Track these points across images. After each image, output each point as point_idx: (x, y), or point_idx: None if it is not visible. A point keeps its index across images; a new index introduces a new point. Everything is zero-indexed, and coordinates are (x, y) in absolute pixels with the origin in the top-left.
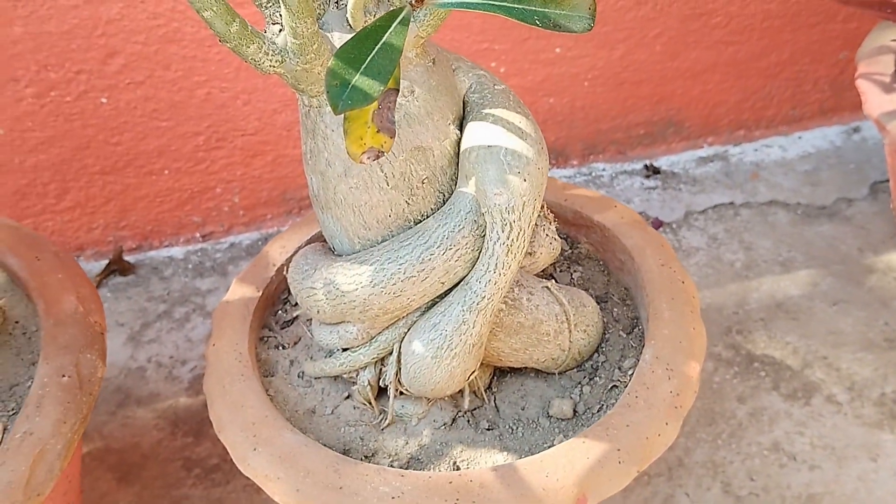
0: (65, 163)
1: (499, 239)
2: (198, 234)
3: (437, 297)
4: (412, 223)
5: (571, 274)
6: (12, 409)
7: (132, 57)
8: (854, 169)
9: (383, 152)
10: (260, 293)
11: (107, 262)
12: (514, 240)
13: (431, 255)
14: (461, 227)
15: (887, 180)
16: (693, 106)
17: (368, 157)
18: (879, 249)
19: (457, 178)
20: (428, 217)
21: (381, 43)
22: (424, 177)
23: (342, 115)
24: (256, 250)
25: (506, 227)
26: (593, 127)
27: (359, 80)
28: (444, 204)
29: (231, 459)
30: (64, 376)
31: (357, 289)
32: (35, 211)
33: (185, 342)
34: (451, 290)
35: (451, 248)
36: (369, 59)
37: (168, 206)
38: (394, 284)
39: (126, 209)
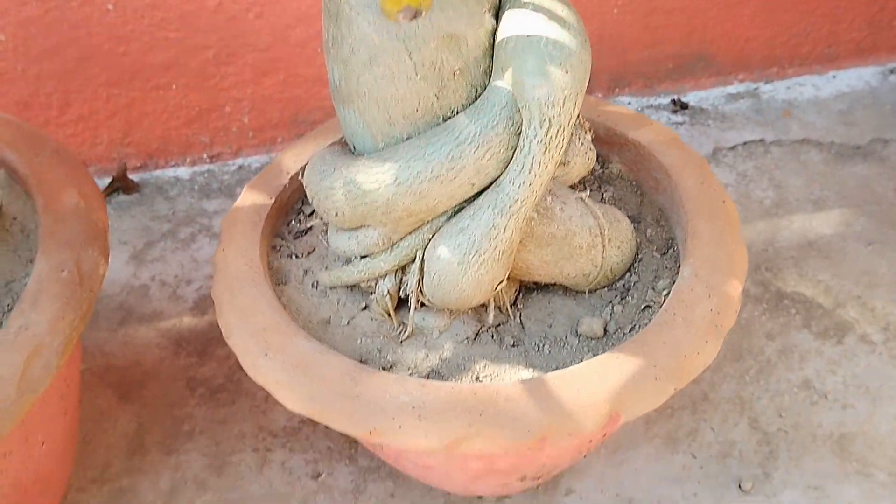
0: (69, 73)
1: (536, 136)
2: (205, 155)
3: (466, 200)
4: (441, 119)
5: (602, 194)
6: (7, 306)
7: None
8: (890, 110)
9: (421, 11)
10: (272, 201)
11: (110, 179)
12: (553, 138)
13: (462, 153)
14: (495, 123)
15: None
16: (725, 40)
17: (404, 17)
18: None
19: (491, 71)
20: (459, 113)
21: None
22: (456, 68)
23: None
24: None
25: (544, 123)
26: (620, 58)
27: None
28: (477, 99)
29: (237, 379)
30: (63, 272)
31: (380, 188)
32: (38, 123)
33: (191, 262)
34: (480, 193)
35: (482, 147)
36: None
37: (174, 123)
38: (420, 184)
39: (131, 125)
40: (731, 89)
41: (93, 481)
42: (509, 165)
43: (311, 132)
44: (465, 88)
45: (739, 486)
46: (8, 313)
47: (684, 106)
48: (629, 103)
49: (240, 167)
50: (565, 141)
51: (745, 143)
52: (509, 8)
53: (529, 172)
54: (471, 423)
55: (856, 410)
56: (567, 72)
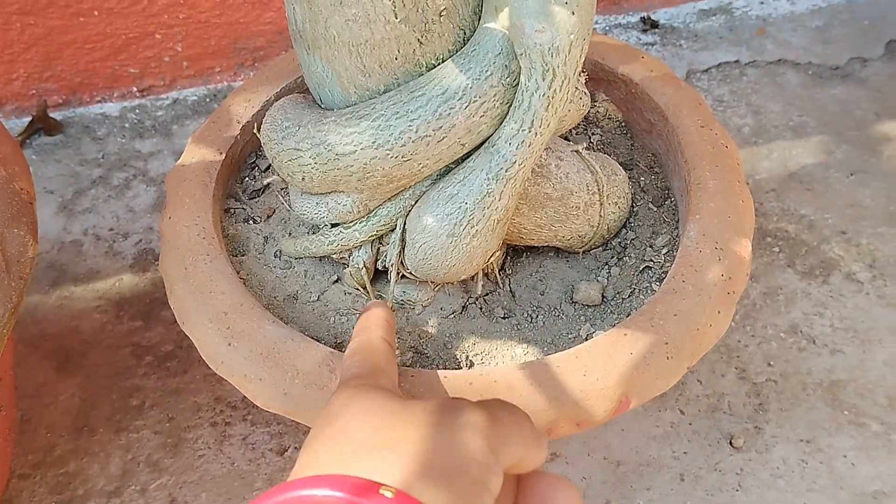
0: None
1: (538, 89)
2: (135, 89)
3: (453, 162)
4: (424, 68)
5: (590, 137)
6: None
7: None
8: (868, 26)
9: None
10: (223, 156)
11: (29, 119)
12: (557, 90)
13: (451, 108)
14: (488, 73)
15: None
16: None
17: None
18: None
19: (481, 10)
20: (444, 60)
21: None
22: (442, 8)
23: None
24: (204, 108)
25: (548, 73)
26: None
27: None
28: (465, 44)
29: (187, 346)
30: None
31: (356, 150)
32: None
33: (127, 212)
34: (470, 153)
35: (475, 101)
36: None
37: (99, 54)
38: (403, 146)
39: (50, 57)
40: (703, 5)
41: (36, 466)
42: (504, 122)
43: (263, 70)
44: (453, 32)
45: (731, 443)
46: None
47: (654, 24)
48: (596, 22)
49: (175, 101)
50: (570, 93)
51: (719, 65)
52: None
53: (529, 131)
54: None
55: (845, 356)
56: (573, 12)
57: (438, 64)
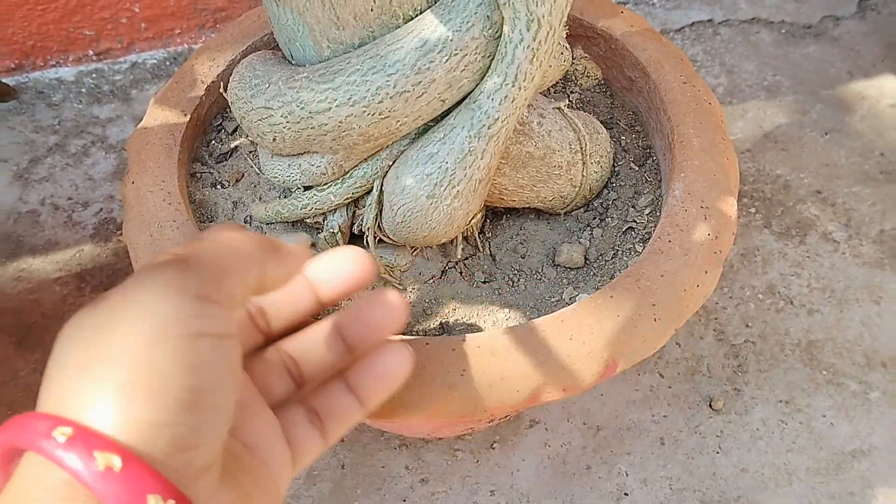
0: None
1: (522, 40)
2: (91, 52)
3: (433, 119)
4: (401, 20)
5: (568, 95)
6: None
7: None
8: None
9: None
10: (188, 118)
11: None
12: (542, 42)
13: (430, 62)
14: (469, 23)
15: None
16: None
17: None
18: (871, 73)
19: None
20: (423, 11)
21: None
22: None
23: None
24: (163, 71)
25: (532, 23)
26: None
27: None
28: None
29: None
30: None
31: (331, 108)
32: None
33: (86, 181)
34: (450, 110)
35: (456, 54)
36: None
37: (52, 15)
38: (380, 102)
39: (0, 20)
40: None
41: None
42: (486, 76)
43: (227, 29)
44: None
45: (710, 406)
46: None
47: None
48: None
49: (133, 65)
50: (556, 45)
51: (692, 25)
52: None
53: (513, 85)
54: (451, 385)
55: (822, 315)
56: None
57: (416, 15)
